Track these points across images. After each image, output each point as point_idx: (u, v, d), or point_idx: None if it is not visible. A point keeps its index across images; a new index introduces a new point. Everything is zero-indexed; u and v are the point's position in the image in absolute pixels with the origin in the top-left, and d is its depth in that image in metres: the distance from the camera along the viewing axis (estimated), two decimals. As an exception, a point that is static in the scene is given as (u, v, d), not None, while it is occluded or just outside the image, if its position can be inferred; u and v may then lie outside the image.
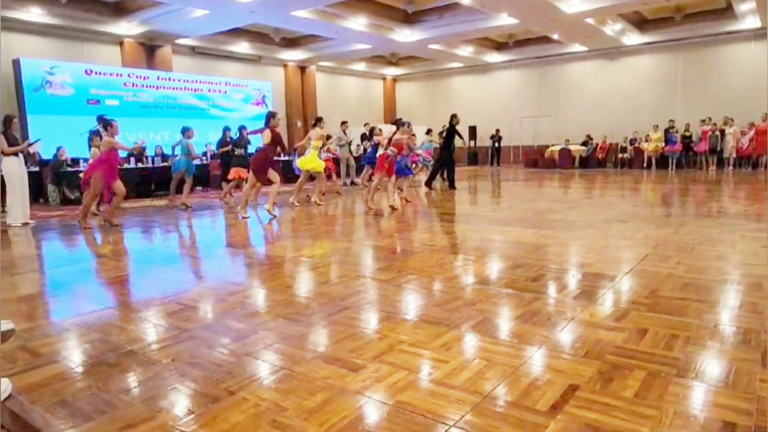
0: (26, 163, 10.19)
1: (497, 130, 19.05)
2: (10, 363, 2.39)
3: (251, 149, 9.76)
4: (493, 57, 19.12)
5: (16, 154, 7.16)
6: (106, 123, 6.84)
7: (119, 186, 6.96)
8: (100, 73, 13.11)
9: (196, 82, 15.18)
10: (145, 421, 1.85)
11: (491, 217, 7.14)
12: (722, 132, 14.46)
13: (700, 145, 14.81)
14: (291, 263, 4.54)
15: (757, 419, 1.75)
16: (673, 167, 15.21)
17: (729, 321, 2.73)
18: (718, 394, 1.94)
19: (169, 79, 14.54)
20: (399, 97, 23.01)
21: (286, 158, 12.02)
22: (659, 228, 5.53)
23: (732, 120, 14.31)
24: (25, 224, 7.25)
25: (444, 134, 11.03)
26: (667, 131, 15.28)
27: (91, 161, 8.24)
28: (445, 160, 11.03)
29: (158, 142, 12.82)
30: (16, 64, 11.89)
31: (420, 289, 3.48)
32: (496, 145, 19.09)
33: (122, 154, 8.74)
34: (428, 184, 10.89)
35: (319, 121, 8.95)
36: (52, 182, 10.39)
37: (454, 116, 11.02)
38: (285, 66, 18.33)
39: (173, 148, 9.19)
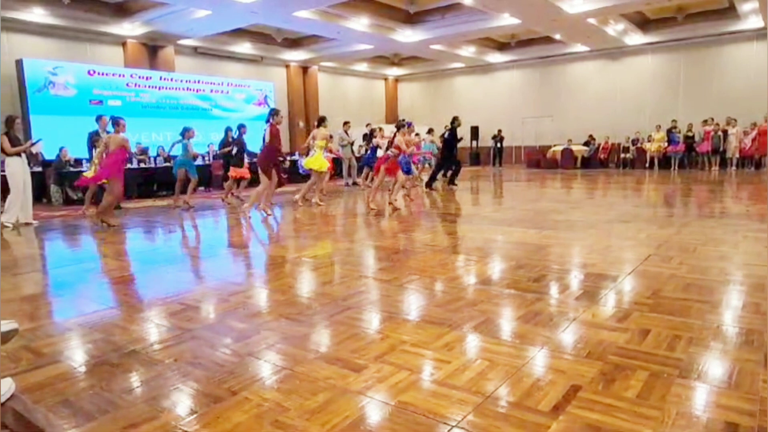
0: (29, 164, 10.25)
1: (499, 131, 19.04)
2: (14, 362, 2.40)
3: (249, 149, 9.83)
4: (495, 57, 19.11)
5: (18, 154, 7.18)
6: (114, 121, 6.87)
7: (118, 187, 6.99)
8: (102, 74, 13.14)
9: (199, 82, 15.20)
10: (148, 421, 1.85)
11: (493, 218, 7.13)
12: (725, 132, 14.42)
13: (702, 146, 14.77)
14: (293, 263, 4.54)
15: (759, 420, 1.75)
16: (676, 167, 15.18)
17: (732, 322, 2.73)
18: (720, 394, 1.93)
19: (172, 79, 14.57)
20: (401, 98, 23.01)
21: (290, 158, 12.08)
22: (662, 228, 5.52)
23: (735, 120, 14.28)
24: (28, 224, 7.27)
25: (446, 136, 11.04)
26: (669, 131, 15.25)
27: (95, 161, 8.28)
28: (449, 161, 11.04)
29: (161, 143, 12.84)
30: (19, 64, 11.93)
31: (422, 290, 3.48)
32: (498, 145, 19.08)
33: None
34: (429, 185, 10.89)
35: (323, 120, 8.96)
36: (54, 182, 10.41)
37: (455, 119, 11.04)
38: (287, 66, 18.35)
39: (172, 146, 9.21)
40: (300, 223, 6.93)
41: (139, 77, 13.84)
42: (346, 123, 12.56)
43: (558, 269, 3.93)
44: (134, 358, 2.44)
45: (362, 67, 20.41)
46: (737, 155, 14.42)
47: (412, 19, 14.88)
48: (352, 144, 12.77)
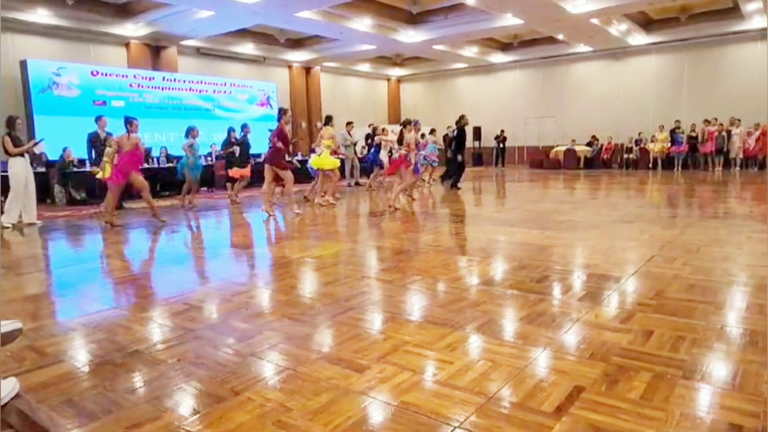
0: (32, 164, 10.28)
1: (502, 131, 19.01)
2: (18, 362, 2.41)
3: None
4: (498, 57, 19.09)
5: (21, 154, 7.19)
6: (127, 121, 6.92)
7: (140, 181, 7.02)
8: (106, 74, 13.16)
9: (201, 83, 15.22)
10: (151, 421, 1.85)
11: (496, 218, 7.13)
12: (729, 132, 14.38)
13: (705, 146, 14.72)
14: (295, 264, 4.54)
15: (764, 421, 1.74)
16: (679, 168, 15.13)
17: (735, 323, 2.72)
18: (724, 396, 1.93)
19: (175, 80, 14.59)
20: (403, 98, 23.01)
21: (295, 158, 12.13)
22: (665, 229, 5.51)
23: (739, 120, 14.23)
24: (32, 224, 7.29)
25: (455, 135, 11.05)
26: (672, 132, 15.21)
27: (106, 161, 8.34)
28: (455, 161, 11.05)
29: (163, 143, 12.88)
30: (23, 65, 11.97)
31: (424, 290, 3.48)
32: (501, 145, 19.06)
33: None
34: (454, 185, 10.84)
35: (329, 120, 8.97)
36: (58, 183, 10.45)
37: (462, 117, 11.04)
38: (289, 67, 18.37)
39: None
40: (302, 224, 6.93)
41: (142, 78, 13.87)
42: (349, 123, 12.57)
43: (561, 270, 3.92)
44: (137, 358, 2.44)
45: (365, 67, 20.41)
46: (741, 156, 14.36)
47: (414, 19, 14.88)
48: (354, 144, 12.78)
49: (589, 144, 17.38)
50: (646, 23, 15.69)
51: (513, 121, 19.49)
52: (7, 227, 6.98)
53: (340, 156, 11.62)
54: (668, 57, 16.66)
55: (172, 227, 6.93)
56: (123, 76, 13.54)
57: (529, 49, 18.28)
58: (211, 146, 12.96)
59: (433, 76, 21.65)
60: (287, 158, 7.76)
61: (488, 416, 1.82)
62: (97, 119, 8.67)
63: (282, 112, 7.62)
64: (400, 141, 7.92)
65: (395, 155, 7.99)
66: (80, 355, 2.53)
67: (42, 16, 11.87)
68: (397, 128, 12.49)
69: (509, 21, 13.74)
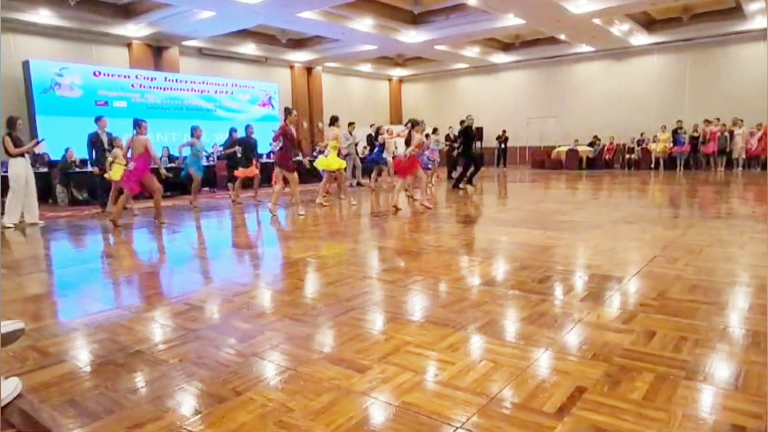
0: (35, 164, 10.29)
1: (504, 131, 19.00)
2: (20, 362, 2.41)
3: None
4: (500, 58, 19.07)
5: (22, 155, 7.20)
6: (136, 123, 6.96)
7: (157, 185, 7.07)
8: (108, 75, 13.20)
9: (203, 83, 15.25)
10: (153, 421, 1.86)
11: (498, 218, 7.12)
12: (731, 133, 14.35)
13: (708, 146, 14.69)
14: (297, 264, 4.54)
15: (766, 422, 1.73)
16: (681, 168, 15.11)
17: (738, 323, 2.71)
18: (727, 397, 1.92)
19: (176, 80, 14.62)
20: (405, 98, 23.01)
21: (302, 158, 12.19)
22: (667, 229, 5.50)
23: (741, 121, 14.20)
24: (34, 224, 7.30)
25: (460, 135, 11.09)
26: (675, 132, 15.18)
27: (110, 162, 8.39)
28: (473, 159, 11.07)
29: (165, 143, 12.89)
30: (25, 65, 12.00)
31: (426, 290, 3.48)
32: (503, 146, 19.05)
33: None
34: (470, 181, 10.87)
35: (335, 120, 8.99)
36: (60, 183, 10.47)
37: (468, 117, 11.08)
38: (291, 67, 18.39)
39: (182, 147, 9.25)
40: (303, 224, 6.93)
41: (144, 78, 13.90)
42: (350, 124, 12.57)
43: (563, 270, 3.91)
44: (139, 358, 2.45)
45: (366, 67, 20.42)
46: (743, 156, 14.33)
47: (416, 19, 14.88)
48: (356, 145, 12.80)
49: (591, 144, 17.36)
50: (648, 23, 15.67)
51: (515, 122, 19.48)
52: (9, 227, 6.99)
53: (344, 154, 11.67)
54: (670, 57, 16.63)
55: (174, 227, 6.94)
56: (125, 76, 13.57)
57: (531, 49, 18.27)
58: (212, 146, 12.99)
59: (435, 76, 21.65)
60: (297, 158, 7.74)
61: (490, 417, 1.82)
62: (97, 120, 8.68)
63: (287, 111, 7.61)
64: (408, 142, 7.96)
65: (404, 155, 8.03)
66: (82, 355, 2.54)
67: (44, 16, 11.90)
68: (399, 128, 12.55)
69: (511, 21, 13.74)
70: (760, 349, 2.33)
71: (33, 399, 2.00)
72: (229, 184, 10.90)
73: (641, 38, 16.07)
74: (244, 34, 15.27)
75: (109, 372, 2.29)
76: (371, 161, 12.15)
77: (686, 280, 3.47)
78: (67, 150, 10.77)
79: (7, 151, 7.08)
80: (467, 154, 11.04)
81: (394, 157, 12.10)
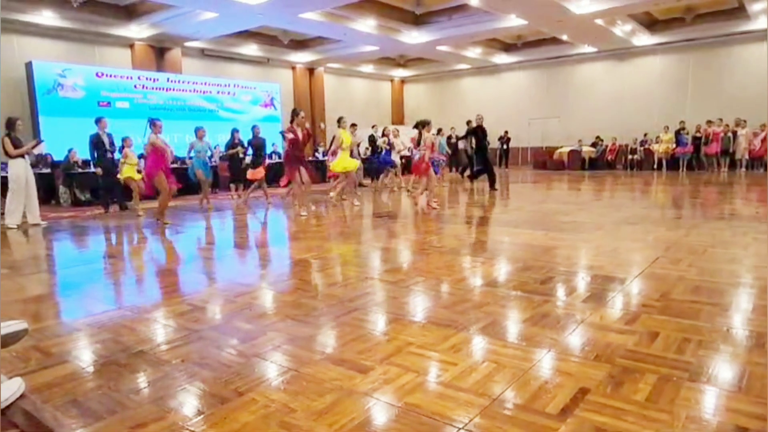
0: (38, 165, 10.31)
1: (506, 132, 18.99)
2: (23, 362, 2.42)
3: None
4: (502, 58, 19.07)
5: (22, 156, 7.20)
6: (150, 122, 6.99)
7: (166, 185, 7.06)
8: (110, 76, 13.23)
9: (205, 84, 15.28)
10: (155, 421, 1.86)
11: (500, 219, 7.12)
12: (734, 133, 14.31)
13: (711, 147, 14.65)
14: (299, 264, 4.55)
15: (770, 424, 1.73)
16: (684, 169, 15.07)
17: (741, 324, 2.70)
18: (730, 398, 1.91)
19: (179, 81, 14.65)
20: (407, 99, 23.01)
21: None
22: (670, 230, 5.48)
23: (744, 121, 14.16)
24: (36, 225, 7.31)
25: (471, 134, 11.12)
26: (678, 133, 15.15)
27: (122, 163, 8.45)
28: (485, 158, 11.09)
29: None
30: (28, 66, 12.04)
31: (428, 291, 3.47)
32: (505, 146, 19.03)
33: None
34: (492, 186, 10.89)
35: (340, 120, 9.00)
36: (63, 184, 10.50)
37: (478, 117, 11.12)
38: (293, 68, 18.41)
39: (190, 148, 9.27)
40: (305, 224, 6.93)
41: (147, 79, 13.93)
42: (353, 125, 12.57)
43: (565, 271, 3.91)
44: (142, 358, 2.45)
45: (368, 68, 20.43)
46: (746, 156, 14.29)
47: (418, 20, 14.88)
48: (358, 145, 12.80)
49: (593, 145, 17.34)
50: (651, 24, 15.64)
51: (517, 122, 19.46)
52: (12, 228, 7.01)
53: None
54: (673, 57, 16.60)
55: (176, 228, 6.95)
56: (127, 77, 13.60)
57: (533, 49, 18.26)
58: (214, 147, 13.00)
59: (437, 77, 21.65)
60: (306, 159, 7.73)
61: (492, 418, 1.82)
62: (97, 121, 8.71)
63: (293, 113, 7.60)
64: (419, 142, 8.00)
65: (415, 156, 8.05)
66: (85, 356, 2.54)
67: (47, 18, 11.94)
68: (401, 128, 12.55)
69: (513, 22, 13.73)
70: (764, 351, 2.32)
71: (36, 399, 2.00)
72: (231, 185, 10.93)
73: (644, 38, 16.05)
74: (246, 35, 15.30)
75: (112, 372, 2.30)
76: (382, 163, 12.19)
77: (689, 281, 3.45)
78: (69, 151, 10.81)
79: (6, 152, 7.09)
80: (482, 152, 11.08)
81: (403, 158, 12.18)
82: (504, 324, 2.80)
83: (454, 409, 1.88)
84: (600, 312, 2.91)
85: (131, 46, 14.09)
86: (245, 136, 10.23)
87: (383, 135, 11.96)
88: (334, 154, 8.83)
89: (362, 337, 2.62)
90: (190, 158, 9.23)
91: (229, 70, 16.50)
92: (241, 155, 10.40)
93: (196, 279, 4.26)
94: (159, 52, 14.54)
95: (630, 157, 16.45)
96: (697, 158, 15.13)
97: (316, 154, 15.60)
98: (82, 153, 10.59)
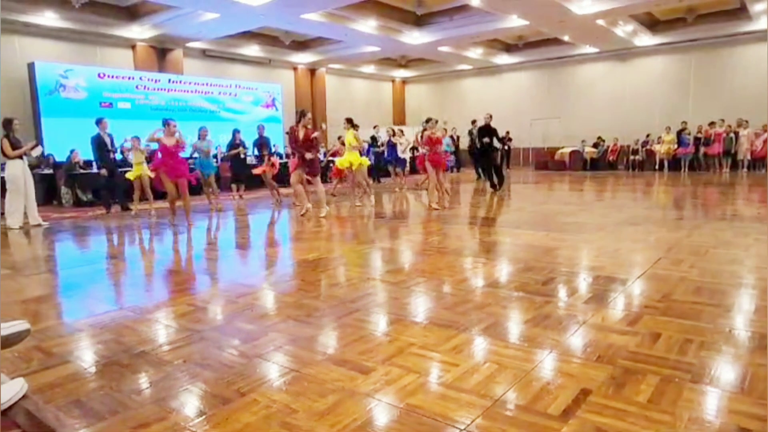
0: (39, 166, 10.33)
1: (507, 132, 18.94)
2: (25, 362, 2.43)
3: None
4: (503, 59, 19.06)
5: (20, 157, 7.19)
6: (163, 122, 7.02)
7: (168, 185, 7.04)
8: (112, 77, 13.24)
9: (207, 84, 15.28)
10: (157, 422, 1.86)
11: (501, 220, 7.12)
12: (736, 134, 14.29)
13: (712, 147, 14.62)
14: (300, 265, 4.55)
15: (773, 426, 1.72)
16: (686, 169, 15.05)
17: (743, 326, 2.70)
18: (732, 399, 1.91)
19: (180, 82, 14.66)
20: (408, 99, 23.01)
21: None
22: (672, 231, 5.48)
23: (746, 122, 14.13)
24: (38, 226, 7.32)
25: (483, 134, 11.16)
26: (679, 133, 15.13)
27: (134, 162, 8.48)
28: (493, 158, 11.12)
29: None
30: (30, 67, 12.06)
31: (430, 292, 3.47)
32: (506, 147, 19.00)
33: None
34: (499, 184, 10.90)
35: (348, 121, 9.01)
36: (65, 184, 10.52)
37: (486, 116, 11.14)
38: (295, 68, 18.42)
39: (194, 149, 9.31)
40: (306, 225, 6.93)
41: (148, 80, 13.94)
42: (355, 126, 12.59)
43: (567, 272, 3.90)
44: (144, 358, 2.45)
45: (369, 69, 20.43)
46: (748, 157, 14.26)
47: (419, 20, 14.88)
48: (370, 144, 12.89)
49: (594, 145, 17.32)
50: (652, 24, 15.62)
51: (518, 123, 19.42)
52: (14, 229, 7.02)
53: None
54: (675, 58, 16.58)
55: (179, 228, 6.95)
56: (129, 78, 13.62)
57: (535, 50, 18.24)
58: (216, 148, 13.02)
59: (438, 77, 21.64)
60: (317, 160, 7.72)
61: (494, 419, 1.82)
62: (98, 122, 8.72)
63: (301, 114, 7.59)
64: (423, 141, 8.10)
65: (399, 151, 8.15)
66: (87, 356, 2.55)
67: (49, 18, 11.96)
68: (404, 128, 12.55)
69: (514, 22, 13.72)
70: (766, 352, 2.31)
71: (38, 399, 2.00)
72: (233, 185, 10.94)
73: (645, 39, 16.03)
74: (248, 35, 15.31)
75: (114, 373, 2.30)
76: (388, 161, 12.23)
77: (691, 282, 3.45)
78: (72, 152, 10.83)
79: (4, 153, 7.08)
80: (491, 153, 11.12)
81: (413, 157, 12.22)
82: (506, 325, 2.80)
83: (456, 410, 1.88)
84: (602, 313, 2.90)
85: (133, 46, 14.11)
86: (250, 136, 10.29)
87: (393, 135, 11.98)
88: (335, 155, 8.88)
89: (364, 337, 2.63)
90: (193, 158, 9.24)
91: (230, 70, 16.51)
92: (242, 155, 10.41)
93: (198, 279, 4.26)
94: (161, 52, 14.56)
95: (632, 157, 16.43)
96: (697, 158, 15.11)
97: (318, 154, 15.60)
98: (84, 154, 10.61)
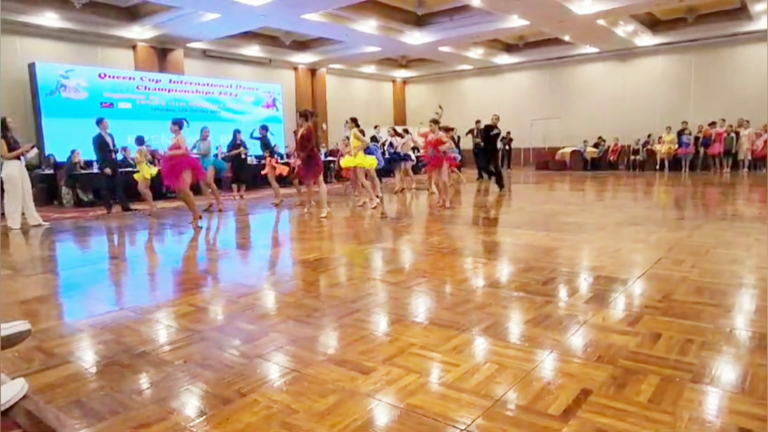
0: (40, 166, 10.33)
1: (508, 132, 18.94)
2: (26, 363, 2.43)
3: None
4: (504, 59, 19.06)
5: (18, 157, 7.19)
6: (174, 122, 7.09)
7: (176, 185, 7.04)
8: (113, 77, 13.25)
9: (208, 85, 15.29)
10: (158, 422, 1.86)
11: (502, 220, 7.12)
12: (737, 134, 14.28)
13: (713, 147, 14.61)
14: (301, 265, 4.55)
15: (774, 426, 1.72)
16: (686, 169, 15.04)
17: (744, 325, 2.70)
18: (733, 399, 1.91)
19: (181, 82, 14.67)
20: (409, 100, 23.01)
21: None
22: (672, 231, 5.47)
23: (747, 122, 14.12)
24: (38, 226, 7.33)
25: (487, 134, 11.17)
26: (680, 133, 15.12)
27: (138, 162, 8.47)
28: (495, 158, 11.15)
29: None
30: (31, 68, 12.07)
31: (430, 292, 3.47)
32: (507, 147, 19.00)
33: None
34: (498, 184, 10.90)
35: (355, 121, 9.02)
36: (66, 184, 10.53)
37: (494, 118, 11.17)
38: (295, 69, 18.42)
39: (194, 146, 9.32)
40: (306, 225, 6.94)
41: (149, 80, 13.95)
42: (358, 126, 12.60)
43: (567, 272, 3.90)
44: (144, 359, 2.45)
45: (370, 69, 20.44)
46: (749, 157, 14.26)
47: (420, 21, 14.88)
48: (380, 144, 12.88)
49: (595, 145, 17.31)
50: (653, 24, 15.61)
51: (519, 123, 19.42)
52: (15, 229, 7.03)
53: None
54: (675, 58, 16.57)
55: (180, 228, 6.96)
56: (130, 78, 13.62)
57: (535, 50, 18.24)
58: (216, 148, 13.03)
59: (439, 77, 21.64)
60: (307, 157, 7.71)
61: (495, 419, 1.82)
62: (99, 122, 8.72)
63: (310, 114, 7.60)
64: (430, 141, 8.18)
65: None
66: (87, 356, 2.55)
67: (50, 19, 11.97)
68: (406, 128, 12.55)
69: (515, 22, 13.72)
70: (766, 352, 2.31)
71: (39, 400, 2.01)
72: (234, 185, 10.95)
73: (646, 39, 16.02)
74: (249, 36, 15.32)
75: (115, 373, 2.30)
76: (392, 161, 12.22)
77: (692, 282, 3.45)
78: (72, 152, 10.84)
79: (1, 154, 7.08)
80: (492, 153, 11.14)
81: (420, 157, 12.25)
82: (506, 325, 2.80)
83: (457, 410, 1.88)
84: (602, 313, 2.90)
85: (134, 47, 14.12)
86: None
87: (395, 135, 11.96)
88: (333, 154, 8.92)
89: (364, 338, 2.63)
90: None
91: (231, 71, 16.52)
92: (243, 156, 10.42)
93: (199, 280, 4.27)
94: (161, 53, 14.57)
95: (632, 157, 16.42)
96: (698, 158, 15.09)
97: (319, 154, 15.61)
98: (85, 154, 10.62)
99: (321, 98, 19.10)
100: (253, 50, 16.30)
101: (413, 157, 12.08)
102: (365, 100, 21.26)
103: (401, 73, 21.98)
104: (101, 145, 8.70)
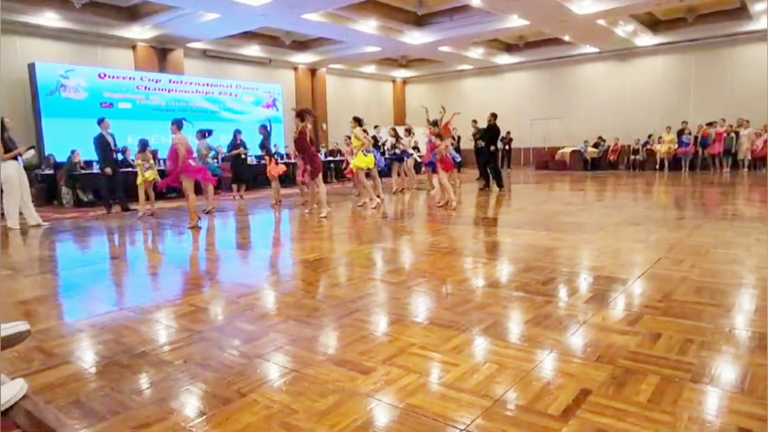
0: (40, 166, 10.33)
1: (508, 132, 18.94)
2: (26, 363, 2.43)
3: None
4: (504, 59, 19.06)
5: (15, 158, 7.19)
6: (174, 123, 7.09)
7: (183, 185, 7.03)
8: (113, 77, 13.25)
9: (208, 85, 15.29)
10: (158, 422, 1.86)
11: (502, 220, 7.12)
12: (737, 134, 14.28)
13: (713, 147, 14.61)
14: (301, 265, 4.55)
15: (773, 426, 1.72)
16: (686, 169, 15.05)
17: (744, 325, 2.69)
18: (733, 399, 1.91)
19: (181, 82, 14.67)
20: (409, 100, 23.01)
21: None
22: (672, 231, 5.47)
23: (747, 122, 14.13)
24: (37, 226, 7.32)
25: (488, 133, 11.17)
26: (680, 133, 15.12)
27: (137, 164, 8.50)
28: (494, 158, 11.21)
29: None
30: (31, 68, 12.07)
31: (430, 292, 3.47)
32: (507, 147, 19.00)
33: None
34: (498, 184, 10.89)
35: (355, 120, 9.02)
36: (66, 184, 10.53)
37: (493, 116, 11.16)
38: (295, 69, 18.43)
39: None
40: (307, 225, 6.94)
41: (149, 80, 13.95)
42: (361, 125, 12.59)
43: (567, 272, 3.90)
44: (144, 359, 2.45)
45: (370, 69, 20.44)
46: (749, 157, 14.26)
47: (420, 21, 14.89)
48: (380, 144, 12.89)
49: (595, 145, 17.32)
50: (653, 24, 15.62)
51: (519, 123, 19.43)
52: (14, 229, 7.03)
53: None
54: (675, 58, 16.58)
55: (179, 229, 6.96)
56: (130, 78, 13.63)
57: (535, 50, 18.25)
58: (216, 148, 13.02)
59: (439, 77, 21.64)
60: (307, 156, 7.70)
61: (494, 419, 1.82)
62: (100, 122, 8.72)
63: (308, 113, 7.60)
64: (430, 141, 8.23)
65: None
66: (87, 356, 2.55)
67: (50, 19, 11.97)
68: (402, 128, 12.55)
69: (515, 22, 13.73)
70: (766, 352, 2.31)
71: (38, 400, 2.00)
72: (234, 186, 10.96)
73: (646, 39, 16.03)
74: (249, 35, 15.32)
75: (114, 373, 2.30)
76: (389, 161, 12.24)
77: (692, 282, 3.45)
78: (72, 152, 10.84)
79: None
80: (488, 151, 11.15)
81: (422, 158, 12.25)
82: (506, 325, 2.80)
83: (456, 410, 1.88)
84: (602, 313, 2.90)
85: (134, 47, 14.12)
86: (251, 136, 10.28)
87: (396, 135, 11.96)
88: (332, 154, 8.93)
89: (364, 338, 2.63)
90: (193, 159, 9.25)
91: (231, 71, 16.52)
92: (243, 156, 10.42)
93: (199, 280, 4.27)
94: (161, 53, 14.57)
95: (632, 157, 16.43)
96: (697, 158, 15.10)
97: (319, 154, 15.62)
98: (85, 154, 10.62)
99: (321, 98, 19.11)
100: (253, 50, 16.30)
101: (415, 156, 12.07)
102: (365, 100, 21.26)
103: (401, 73, 21.99)
104: (103, 144, 8.69)
